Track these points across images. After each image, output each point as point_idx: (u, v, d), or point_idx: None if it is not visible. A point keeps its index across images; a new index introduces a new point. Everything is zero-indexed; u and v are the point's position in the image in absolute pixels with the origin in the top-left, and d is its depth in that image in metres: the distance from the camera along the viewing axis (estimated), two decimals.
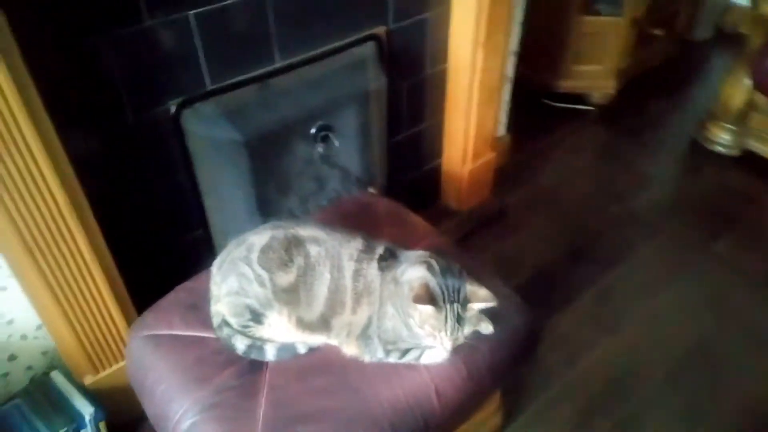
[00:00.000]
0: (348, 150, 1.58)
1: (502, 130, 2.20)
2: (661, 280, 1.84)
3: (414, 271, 0.98)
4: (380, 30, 1.50)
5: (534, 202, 2.15)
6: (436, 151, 1.93)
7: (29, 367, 1.36)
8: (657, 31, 2.70)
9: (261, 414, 0.96)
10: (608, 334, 1.67)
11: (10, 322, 1.27)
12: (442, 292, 0.95)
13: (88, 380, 1.32)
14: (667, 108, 2.66)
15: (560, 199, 2.17)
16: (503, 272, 1.83)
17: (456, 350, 1.02)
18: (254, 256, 1.03)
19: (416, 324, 0.96)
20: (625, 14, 2.45)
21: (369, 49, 1.48)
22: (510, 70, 2.07)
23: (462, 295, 0.96)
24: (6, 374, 1.33)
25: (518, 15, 1.97)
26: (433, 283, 0.95)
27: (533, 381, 1.55)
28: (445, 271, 0.97)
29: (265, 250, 1.03)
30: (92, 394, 1.31)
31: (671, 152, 2.44)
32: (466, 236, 1.95)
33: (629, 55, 2.59)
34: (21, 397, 1.30)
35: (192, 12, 1.16)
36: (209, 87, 1.25)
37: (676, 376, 1.57)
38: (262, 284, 1.01)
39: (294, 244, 1.03)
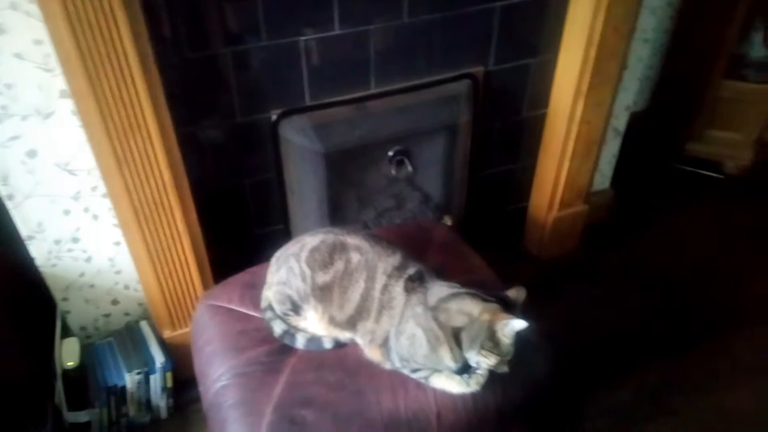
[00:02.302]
0: (428, 177, 1.67)
1: (604, 183, 2.15)
2: (745, 376, 1.67)
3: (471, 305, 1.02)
4: (478, 70, 1.58)
5: (626, 266, 2.05)
6: (524, 193, 1.95)
7: (126, 314, 1.62)
8: None
9: (277, 392, 1.08)
10: (667, 415, 1.56)
11: (118, 272, 1.54)
12: None
13: (166, 334, 1.54)
14: None
15: (656, 267, 2.05)
16: (565, 326, 1.78)
17: None
18: (304, 254, 1.16)
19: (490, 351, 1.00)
20: None
21: (463, 86, 1.56)
22: (622, 124, 2.02)
23: None
24: (108, 315, 1.60)
25: (638, 70, 1.92)
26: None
27: None
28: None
29: (313, 250, 1.15)
30: (167, 347, 1.53)
31: None
32: (539, 284, 1.91)
33: None
34: (114, 337, 1.57)
35: (302, 38, 1.34)
36: (307, 103, 1.43)
37: None
38: (303, 280, 1.14)
39: (339, 250, 1.14)
